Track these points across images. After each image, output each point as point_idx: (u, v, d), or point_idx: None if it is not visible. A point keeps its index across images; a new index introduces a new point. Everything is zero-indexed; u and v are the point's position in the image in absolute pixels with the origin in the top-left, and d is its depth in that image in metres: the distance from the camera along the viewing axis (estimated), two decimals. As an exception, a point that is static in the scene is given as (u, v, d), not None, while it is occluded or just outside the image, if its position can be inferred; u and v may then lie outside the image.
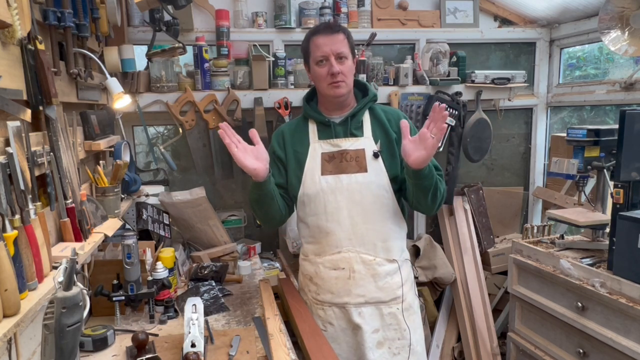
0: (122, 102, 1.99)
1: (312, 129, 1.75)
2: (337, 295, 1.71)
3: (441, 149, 2.75)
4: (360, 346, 1.70)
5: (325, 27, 1.67)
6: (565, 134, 2.27)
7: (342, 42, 1.64)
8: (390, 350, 1.71)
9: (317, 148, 1.71)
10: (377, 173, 1.66)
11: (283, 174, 1.78)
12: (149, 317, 1.75)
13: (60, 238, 1.42)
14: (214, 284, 2.07)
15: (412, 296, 1.77)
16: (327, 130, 1.73)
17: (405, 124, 1.53)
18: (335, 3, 2.69)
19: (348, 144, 1.69)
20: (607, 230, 2.08)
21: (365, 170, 1.66)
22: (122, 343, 1.57)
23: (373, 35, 2.64)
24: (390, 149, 1.69)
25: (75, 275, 1.04)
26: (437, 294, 2.83)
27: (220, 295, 1.97)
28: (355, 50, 1.73)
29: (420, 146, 1.47)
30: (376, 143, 1.69)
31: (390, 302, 1.71)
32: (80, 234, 1.45)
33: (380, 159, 1.67)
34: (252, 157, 1.57)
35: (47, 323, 1.01)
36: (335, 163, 1.68)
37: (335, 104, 1.72)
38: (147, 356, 1.40)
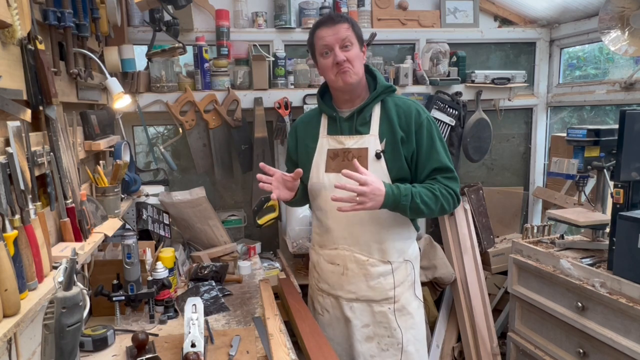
0: (122, 102, 1.99)
1: (324, 122, 1.74)
2: (332, 287, 1.75)
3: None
4: (350, 338, 1.74)
5: (328, 18, 1.63)
6: (565, 134, 2.27)
7: (347, 30, 1.59)
8: (379, 345, 1.72)
9: (324, 144, 1.71)
10: (377, 174, 1.60)
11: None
12: (149, 317, 1.75)
13: (60, 238, 1.42)
14: (214, 284, 2.07)
15: (407, 297, 1.74)
16: (334, 125, 1.70)
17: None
18: (335, 3, 2.69)
19: (352, 142, 1.66)
20: (607, 230, 2.08)
21: None
22: (122, 343, 1.57)
23: (373, 35, 2.64)
24: (394, 149, 1.62)
25: (75, 275, 1.04)
26: (437, 294, 2.83)
27: (220, 295, 1.97)
28: (364, 40, 1.67)
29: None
30: (381, 142, 1.63)
31: (381, 301, 1.71)
32: (80, 234, 1.45)
33: (382, 159, 1.62)
34: (284, 189, 1.65)
35: (47, 323, 1.01)
36: (338, 161, 1.67)
37: (346, 94, 1.67)
38: (147, 356, 1.40)
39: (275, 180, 1.61)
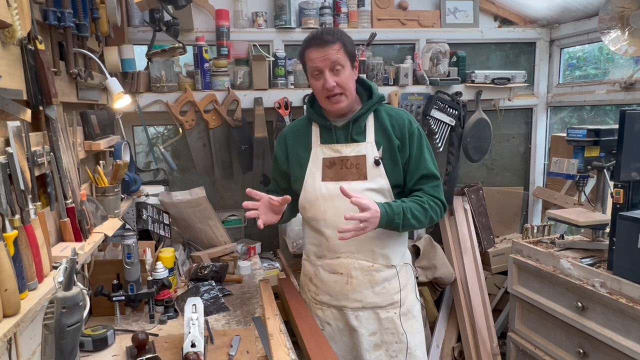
0: (122, 102, 1.99)
1: (315, 131, 1.72)
2: (335, 298, 1.72)
3: (441, 149, 2.75)
4: (357, 347, 1.71)
5: (318, 38, 1.58)
6: (565, 134, 2.27)
7: (337, 52, 1.56)
8: (387, 352, 1.71)
9: (318, 153, 1.69)
10: (377, 180, 1.63)
11: (287, 179, 1.79)
12: (149, 317, 1.75)
13: (60, 238, 1.42)
14: (214, 284, 2.07)
15: (411, 300, 1.75)
16: (329, 134, 1.69)
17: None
18: (335, 3, 2.69)
19: (349, 150, 1.65)
20: (607, 230, 2.08)
21: (365, 178, 1.63)
22: (122, 343, 1.57)
23: (373, 35, 2.64)
24: (392, 156, 1.64)
25: (75, 275, 1.04)
26: (437, 294, 2.83)
27: (220, 295, 1.97)
28: (356, 56, 1.65)
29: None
30: (378, 149, 1.64)
31: (387, 307, 1.70)
32: (80, 234, 1.45)
33: (381, 166, 1.63)
34: (271, 213, 1.63)
35: (47, 323, 1.01)
36: (336, 170, 1.66)
37: (337, 114, 1.69)
38: (147, 356, 1.40)
39: (262, 205, 1.58)
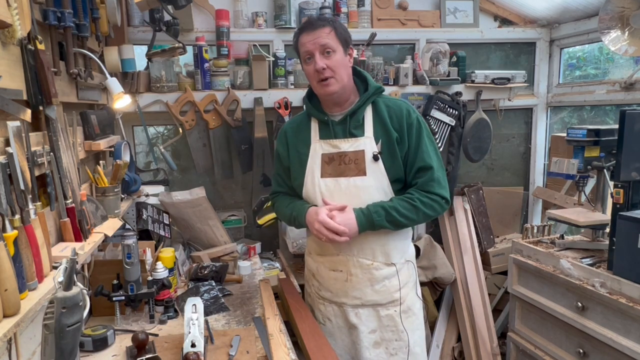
0: (122, 102, 1.99)
1: (314, 127, 1.71)
2: (335, 295, 1.72)
3: (441, 149, 2.75)
4: (356, 345, 1.71)
5: (308, 23, 1.59)
6: (565, 134, 2.27)
7: (328, 35, 1.56)
8: (387, 350, 1.71)
9: (317, 149, 1.68)
10: (376, 176, 1.61)
11: (289, 176, 1.79)
12: (149, 317, 1.75)
13: (60, 238, 1.42)
14: (214, 284, 2.07)
15: (412, 298, 1.75)
16: (327, 129, 1.68)
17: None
18: (335, 3, 2.69)
19: (347, 145, 1.64)
20: (607, 230, 2.08)
21: (364, 174, 1.61)
22: (122, 343, 1.57)
23: (373, 35, 2.64)
24: (390, 150, 1.62)
25: (75, 275, 1.04)
26: (437, 294, 2.83)
27: (220, 295, 1.97)
28: (350, 43, 1.63)
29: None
30: (377, 143, 1.62)
31: (387, 304, 1.70)
32: (80, 234, 1.45)
33: (380, 161, 1.61)
34: None
35: (47, 323, 1.01)
36: (334, 165, 1.64)
37: (331, 100, 1.67)
38: (147, 356, 1.40)
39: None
